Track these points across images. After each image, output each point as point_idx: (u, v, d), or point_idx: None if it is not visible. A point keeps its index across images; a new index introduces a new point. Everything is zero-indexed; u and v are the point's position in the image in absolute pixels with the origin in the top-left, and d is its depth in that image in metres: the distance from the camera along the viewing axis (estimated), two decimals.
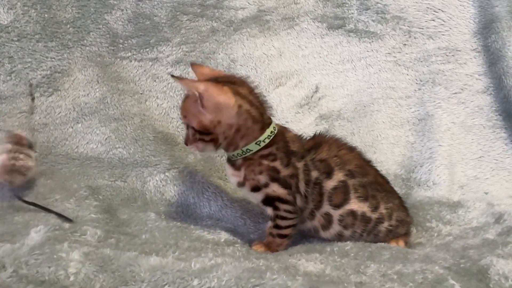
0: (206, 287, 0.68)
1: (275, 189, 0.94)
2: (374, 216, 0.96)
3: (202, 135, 0.91)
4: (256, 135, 0.93)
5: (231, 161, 0.97)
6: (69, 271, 0.74)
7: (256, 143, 0.92)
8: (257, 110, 0.93)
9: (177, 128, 1.31)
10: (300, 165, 0.95)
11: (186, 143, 0.96)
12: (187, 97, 0.93)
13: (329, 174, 0.95)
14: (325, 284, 0.68)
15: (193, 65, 1.00)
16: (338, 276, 0.76)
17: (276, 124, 0.97)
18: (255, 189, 0.95)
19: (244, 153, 0.93)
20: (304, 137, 1.01)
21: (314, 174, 0.95)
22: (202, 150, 0.95)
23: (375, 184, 0.98)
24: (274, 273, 0.71)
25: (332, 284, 0.68)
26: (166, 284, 0.70)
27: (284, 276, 0.69)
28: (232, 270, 0.71)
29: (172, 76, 0.96)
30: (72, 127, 1.27)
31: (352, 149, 1.01)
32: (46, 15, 1.32)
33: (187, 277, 0.70)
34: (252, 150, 0.93)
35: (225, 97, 0.89)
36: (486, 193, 1.26)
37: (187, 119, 0.93)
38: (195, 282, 0.69)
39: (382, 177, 1.04)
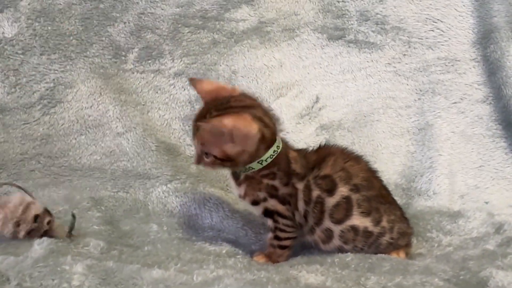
0: None
1: (274, 204, 0.95)
2: (376, 230, 0.95)
3: (223, 161, 0.91)
4: (260, 154, 0.92)
5: (234, 174, 0.98)
6: (72, 284, 0.75)
7: (258, 162, 0.92)
8: (269, 131, 0.93)
9: (179, 139, 1.33)
10: (300, 186, 0.94)
11: (198, 163, 0.94)
12: (203, 127, 0.90)
13: (331, 191, 0.93)
14: None
15: (192, 80, 0.99)
16: None
17: (282, 141, 0.96)
18: (255, 203, 0.96)
19: (246, 170, 0.94)
20: (309, 150, 1.00)
21: (315, 193, 0.93)
22: (215, 169, 0.95)
23: (379, 197, 0.97)
24: (275, 286, 0.71)
25: None
26: None
27: None
28: (234, 283, 0.72)
29: (197, 121, 0.91)
30: (75, 139, 1.29)
31: (359, 160, 0.99)
32: (49, 28, 1.34)
33: None
34: (254, 169, 0.93)
35: (250, 128, 0.89)
36: (487, 203, 1.26)
37: (205, 147, 0.91)
38: None
39: (386, 188, 1.02)
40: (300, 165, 0.95)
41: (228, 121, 0.87)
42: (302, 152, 0.99)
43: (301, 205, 0.94)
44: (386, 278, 0.79)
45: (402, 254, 0.99)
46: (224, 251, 0.99)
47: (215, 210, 1.15)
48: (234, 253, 0.99)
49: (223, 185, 1.25)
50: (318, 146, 1.01)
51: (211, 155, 0.91)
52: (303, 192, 0.94)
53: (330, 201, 0.93)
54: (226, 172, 1.19)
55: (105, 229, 1.02)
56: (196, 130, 0.92)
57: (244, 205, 1.05)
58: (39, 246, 0.86)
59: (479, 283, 0.78)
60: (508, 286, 0.76)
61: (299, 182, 0.94)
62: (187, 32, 1.38)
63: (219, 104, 0.92)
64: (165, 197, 1.17)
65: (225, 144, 0.89)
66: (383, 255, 0.96)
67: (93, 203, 1.11)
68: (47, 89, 1.31)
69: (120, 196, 1.16)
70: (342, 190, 0.94)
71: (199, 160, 0.94)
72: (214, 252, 0.98)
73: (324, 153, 0.98)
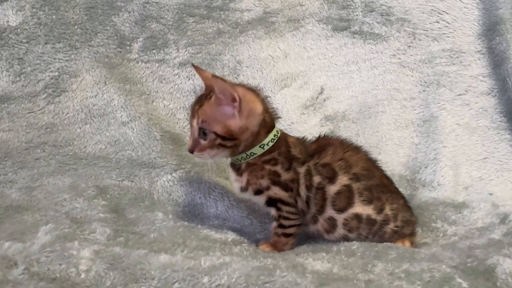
0: (216, 284, 0.69)
1: (277, 191, 0.95)
2: (379, 218, 0.96)
3: (224, 140, 0.90)
4: (261, 138, 0.94)
5: (234, 166, 0.98)
6: (80, 269, 0.75)
7: (260, 147, 0.93)
8: (269, 116, 0.95)
9: (183, 129, 1.32)
10: (301, 170, 0.95)
11: (192, 151, 0.92)
12: (207, 101, 0.90)
13: (332, 179, 0.95)
14: (335, 282, 0.69)
15: (196, 67, 0.99)
16: (345, 274, 0.77)
17: (279, 130, 0.98)
18: (258, 192, 0.96)
19: (248, 156, 0.94)
20: (308, 140, 1.01)
21: (316, 179, 0.95)
22: (212, 157, 0.92)
23: (381, 186, 0.98)
24: (283, 270, 0.71)
25: (342, 281, 0.69)
26: (176, 282, 0.70)
27: (294, 273, 0.70)
28: (242, 268, 0.72)
29: (213, 75, 0.90)
30: (80, 128, 1.28)
31: (358, 150, 1.01)
32: (54, 17, 1.33)
33: (197, 275, 0.70)
34: (256, 154, 0.94)
35: (256, 105, 0.91)
36: (491, 194, 1.26)
37: (207, 124, 0.89)
38: (205, 279, 0.70)
39: (387, 178, 1.04)
40: (299, 150, 0.96)
41: (239, 89, 0.89)
42: (300, 140, 1.00)
43: (303, 190, 0.95)
44: (393, 265, 0.80)
45: (407, 243, 0.99)
46: (229, 239, 0.99)
47: (220, 200, 1.15)
48: (240, 242, 0.99)
49: (228, 175, 1.25)
50: (317, 136, 1.02)
51: (211, 132, 0.89)
52: (304, 177, 0.95)
53: (332, 189, 0.94)
54: (225, 164, 1.20)
55: (111, 217, 1.02)
56: (197, 108, 0.90)
57: (247, 197, 1.03)
58: (46, 232, 0.86)
59: (487, 270, 0.78)
60: None
61: (300, 167, 0.95)
62: (192, 22, 1.38)
63: (238, 85, 0.93)
64: (170, 186, 1.17)
65: (230, 118, 0.88)
66: (389, 243, 0.96)
67: (98, 192, 1.11)
68: (51, 78, 1.31)
69: (125, 185, 1.16)
70: (343, 179, 0.95)
71: (194, 145, 0.91)
72: (220, 240, 0.98)
73: (324, 143, 0.99)
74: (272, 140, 0.94)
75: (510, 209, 1.15)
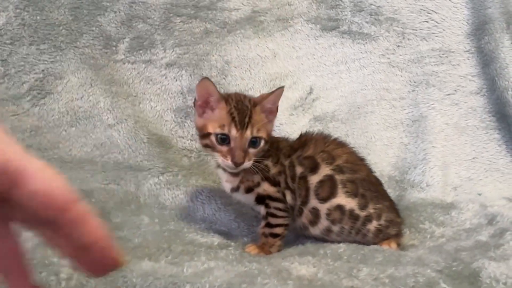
0: None
1: (266, 187, 0.97)
2: (362, 214, 0.97)
3: (266, 144, 0.95)
4: None
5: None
6: (60, 277, 0.73)
7: None
8: None
9: (171, 131, 1.31)
10: (286, 162, 0.99)
11: (242, 163, 0.91)
12: (253, 111, 0.92)
13: (314, 169, 0.98)
14: None
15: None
16: (330, 280, 0.76)
17: None
18: (249, 190, 0.98)
19: None
20: (291, 139, 1.06)
21: (299, 169, 0.98)
22: (251, 164, 0.93)
23: (367, 183, 0.99)
24: (266, 277, 0.71)
25: None
26: None
27: (275, 280, 0.69)
28: (224, 274, 0.71)
29: (280, 88, 0.97)
30: (65, 131, 1.27)
31: (342, 145, 1.04)
32: (38, 17, 1.31)
33: (179, 283, 0.70)
34: None
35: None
36: (480, 194, 1.26)
37: (261, 133, 0.93)
38: (187, 287, 0.69)
39: (376, 178, 1.04)
40: (285, 145, 1.02)
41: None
42: (285, 139, 1.07)
43: (289, 182, 0.98)
44: (378, 270, 0.79)
45: (393, 245, 0.99)
46: (216, 243, 0.98)
47: (208, 203, 1.14)
48: (226, 245, 0.98)
49: (216, 178, 1.24)
50: (299, 134, 1.06)
51: (263, 140, 0.94)
52: (288, 168, 0.99)
53: (314, 179, 0.97)
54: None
55: None
56: (247, 121, 0.91)
57: (237, 198, 1.04)
58: (25, 239, 0.84)
59: (471, 274, 0.78)
60: (500, 277, 0.76)
61: (285, 159, 0.99)
62: (179, 22, 1.36)
63: (234, 96, 0.97)
64: (157, 189, 1.16)
65: (269, 123, 0.96)
66: (376, 246, 0.96)
67: (83, 195, 1.09)
68: (36, 80, 1.29)
69: (111, 188, 1.15)
70: (325, 170, 0.98)
71: (244, 158, 0.91)
72: (205, 244, 0.97)
73: (306, 138, 1.04)
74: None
75: (498, 209, 1.15)
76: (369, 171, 1.03)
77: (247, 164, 0.92)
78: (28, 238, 0.83)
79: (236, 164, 0.91)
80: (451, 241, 1.01)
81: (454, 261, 0.83)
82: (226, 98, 0.94)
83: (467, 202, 1.19)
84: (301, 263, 0.84)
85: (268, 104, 0.95)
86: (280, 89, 0.95)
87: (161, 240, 0.95)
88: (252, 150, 0.93)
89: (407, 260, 0.85)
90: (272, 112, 0.97)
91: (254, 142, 0.92)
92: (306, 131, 1.06)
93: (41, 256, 0.76)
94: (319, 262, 0.85)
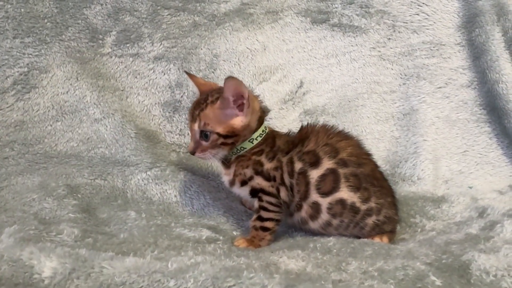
0: (183, 287, 0.67)
1: (259, 181, 0.97)
2: (363, 207, 0.96)
3: (226, 138, 0.94)
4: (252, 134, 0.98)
5: (224, 162, 0.99)
6: (43, 275, 0.72)
7: (249, 141, 0.97)
8: (263, 112, 1.00)
9: (159, 125, 1.29)
10: (284, 159, 0.98)
11: (194, 152, 0.96)
12: (210, 105, 0.94)
13: (315, 163, 0.96)
14: (303, 282, 0.67)
15: (189, 74, 1.05)
16: (318, 274, 0.75)
17: (267, 126, 1.02)
18: (243, 183, 0.99)
19: (238, 151, 0.98)
20: (292, 132, 1.03)
21: (298, 165, 0.96)
22: (213, 156, 0.96)
23: (371, 178, 0.98)
24: (252, 271, 0.69)
25: (310, 282, 0.67)
26: (141, 287, 0.68)
27: (262, 274, 0.68)
28: (209, 269, 0.70)
29: (230, 77, 0.92)
30: (51, 125, 1.24)
31: (347, 137, 1.01)
32: (22, 10, 1.28)
33: (163, 279, 0.68)
34: (246, 148, 0.98)
35: (255, 102, 0.97)
36: (470, 187, 1.26)
37: (210, 126, 0.94)
38: (171, 283, 0.68)
39: (381, 173, 1.03)
40: (283, 141, 1.00)
41: (245, 89, 0.93)
42: (286, 134, 1.04)
43: (286, 177, 0.97)
44: (367, 263, 0.78)
45: (385, 239, 0.98)
46: (204, 237, 0.96)
47: (196, 198, 1.13)
48: (214, 239, 0.97)
49: (205, 173, 1.23)
50: (301, 126, 1.04)
51: (214, 133, 0.94)
52: (286, 164, 0.97)
53: (315, 173, 0.96)
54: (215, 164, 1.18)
55: (81, 217, 0.99)
56: (198, 113, 0.95)
57: (235, 192, 1.02)
58: (10, 234, 0.82)
59: (461, 266, 0.77)
60: (490, 269, 0.75)
61: (283, 157, 0.98)
62: (167, 15, 1.34)
63: (215, 91, 0.97)
64: (144, 184, 1.14)
65: (232, 117, 0.94)
66: (366, 239, 0.95)
67: (69, 191, 1.07)
68: (21, 74, 1.26)
69: (97, 183, 1.13)
70: (327, 163, 0.96)
71: (196, 147, 0.96)
72: (193, 238, 0.95)
73: (307, 131, 1.01)
74: (260, 135, 0.98)
75: (489, 202, 1.15)
76: (375, 166, 1.02)
77: (203, 155, 0.96)
78: (11, 234, 0.81)
79: (190, 153, 0.96)
80: (442, 235, 1.00)
81: (444, 254, 0.82)
82: (208, 93, 0.98)
83: (458, 195, 1.19)
84: (290, 257, 0.83)
85: (225, 95, 0.93)
86: (227, 78, 0.91)
87: (147, 235, 0.93)
88: (204, 143, 0.95)
89: (397, 253, 0.85)
90: (240, 105, 0.93)
91: (205, 135, 0.94)
92: (308, 123, 1.03)
93: (25, 253, 0.74)
94: (308, 256, 0.84)
